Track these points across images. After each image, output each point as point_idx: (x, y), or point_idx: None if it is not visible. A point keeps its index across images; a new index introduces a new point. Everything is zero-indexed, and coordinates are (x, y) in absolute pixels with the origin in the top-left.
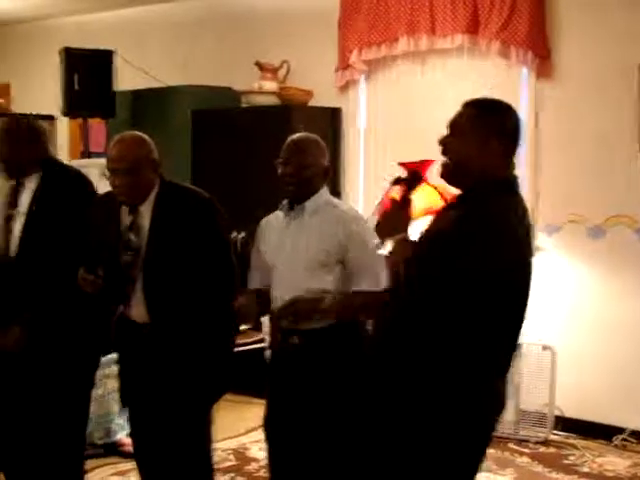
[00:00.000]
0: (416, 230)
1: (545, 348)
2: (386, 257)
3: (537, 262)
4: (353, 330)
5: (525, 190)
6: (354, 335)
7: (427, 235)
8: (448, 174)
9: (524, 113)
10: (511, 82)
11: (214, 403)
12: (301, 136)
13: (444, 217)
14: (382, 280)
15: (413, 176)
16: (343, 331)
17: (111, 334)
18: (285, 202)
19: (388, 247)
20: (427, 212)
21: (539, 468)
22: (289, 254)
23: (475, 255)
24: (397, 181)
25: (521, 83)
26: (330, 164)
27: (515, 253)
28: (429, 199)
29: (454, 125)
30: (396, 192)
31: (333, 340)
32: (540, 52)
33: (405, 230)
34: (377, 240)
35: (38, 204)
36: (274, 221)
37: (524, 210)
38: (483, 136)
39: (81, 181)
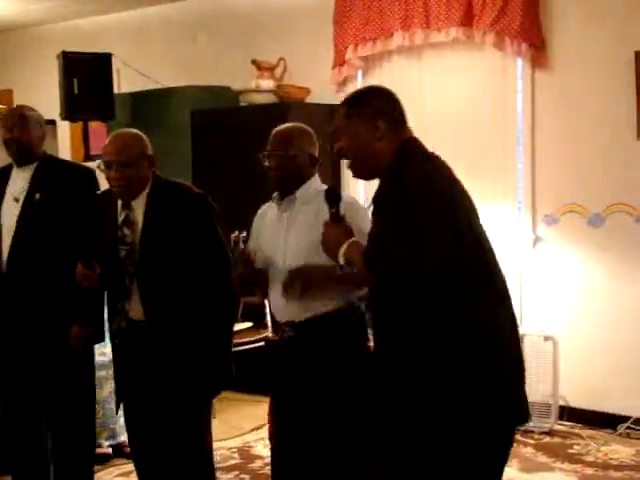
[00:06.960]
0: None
1: (547, 339)
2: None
3: (537, 253)
4: (350, 318)
5: (523, 181)
6: (351, 323)
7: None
8: (357, 172)
9: (521, 104)
10: (507, 73)
11: (212, 399)
12: (283, 127)
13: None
14: None
15: (329, 194)
16: (339, 320)
17: (102, 325)
18: (276, 194)
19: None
20: None
21: (544, 458)
22: (283, 249)
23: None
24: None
25: (517, 74)
26: (318, 152)
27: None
28: None
29: (336, 131)
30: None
31: (329, 329)
32: (534, 42)
33: (352, 236)
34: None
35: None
36: (269, 213)
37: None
38: (365, 124)
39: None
